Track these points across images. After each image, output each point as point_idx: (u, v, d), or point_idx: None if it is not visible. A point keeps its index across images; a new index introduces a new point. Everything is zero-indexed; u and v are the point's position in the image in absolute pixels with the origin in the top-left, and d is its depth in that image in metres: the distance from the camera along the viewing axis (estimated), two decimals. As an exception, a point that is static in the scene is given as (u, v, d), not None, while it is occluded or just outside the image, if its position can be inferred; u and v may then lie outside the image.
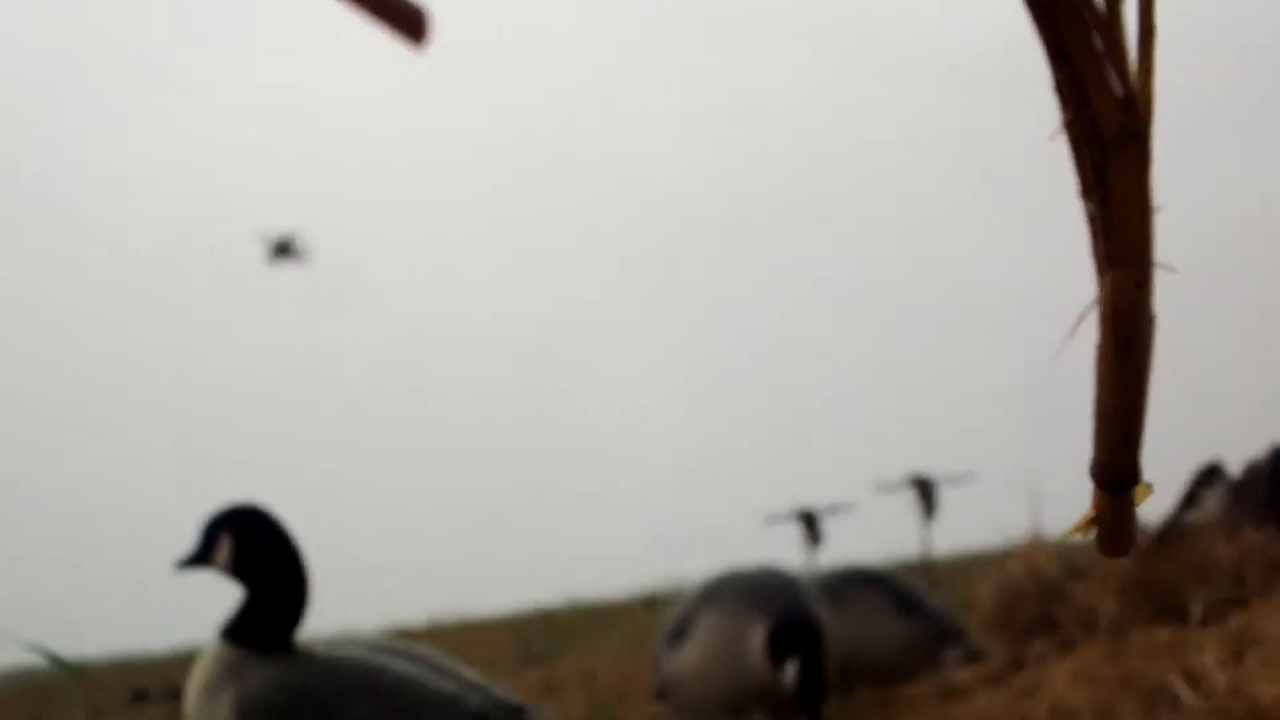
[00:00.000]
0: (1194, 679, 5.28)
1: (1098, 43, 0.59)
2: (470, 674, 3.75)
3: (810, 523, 10.48)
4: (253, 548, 3.78)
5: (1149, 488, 0.64)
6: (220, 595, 3.83)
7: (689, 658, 5.49)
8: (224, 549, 3.82)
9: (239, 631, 3.73)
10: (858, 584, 6.38)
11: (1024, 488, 7.60)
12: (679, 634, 5.58)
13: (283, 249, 12.19)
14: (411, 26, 0.63)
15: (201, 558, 3.82)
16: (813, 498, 10.58)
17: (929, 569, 13.06)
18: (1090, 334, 0.68)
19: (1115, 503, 0.65)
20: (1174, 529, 6.51)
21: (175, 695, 4.94)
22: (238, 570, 3.71)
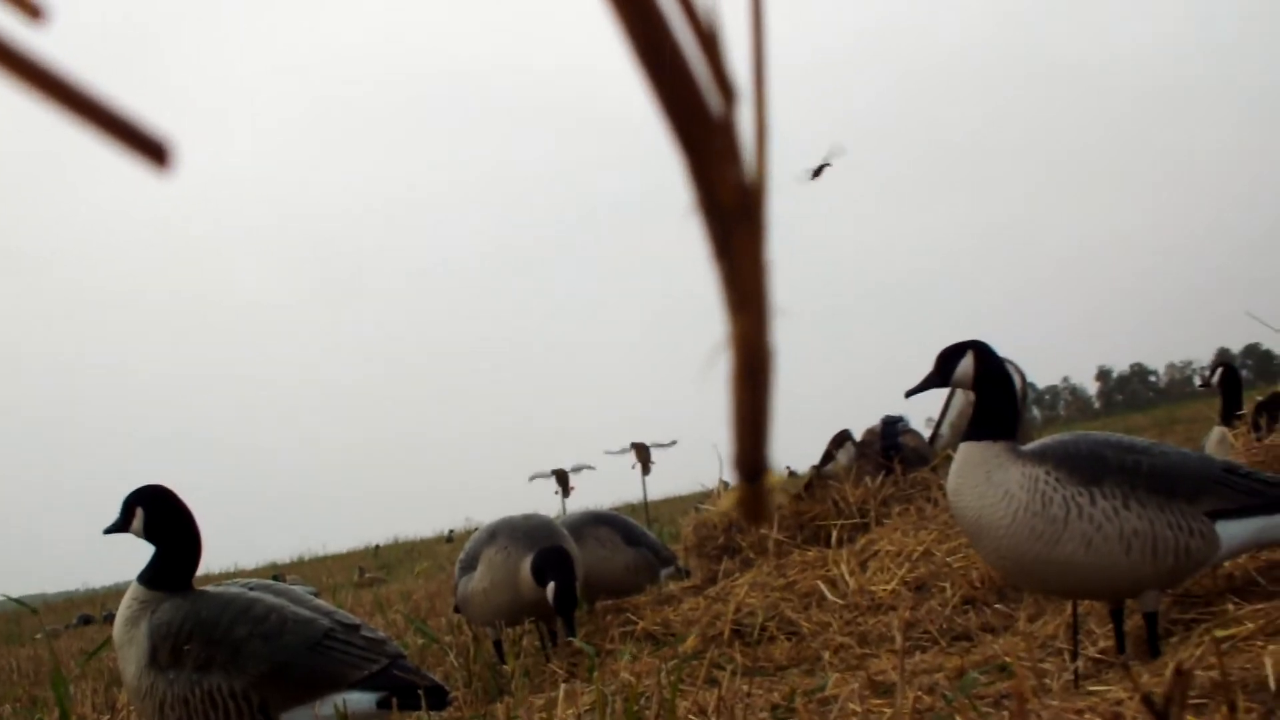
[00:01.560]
0: (833, 584, 5.38)
1: (716, 142, 0.55)
2: (322, 602, 3.76)
3: (562, 479, 10.55)
4: (158, 517, 3.96)
5: (777, 473, 0.60)
6: (138, 548, 3.91)
7: (478, 582, 5.52)
8: (138, 518, 3.98)
9: (151, 577, 3.93)
10: (596, 523, 6.43)
11: (713, 450, 7.81)
12: (470, 564, 5.67)
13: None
14: (156, 154, 0.56)
15: (122, 525, 4.07)
16: (563, 461, 10.66)
17: (647, 511, 13.09)
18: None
19: (751, 486, 0.61)
20: (817, 479, 6.62)
21: (111, 619, 4.79)
22: (148, 534, 3.89)
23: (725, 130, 0.55)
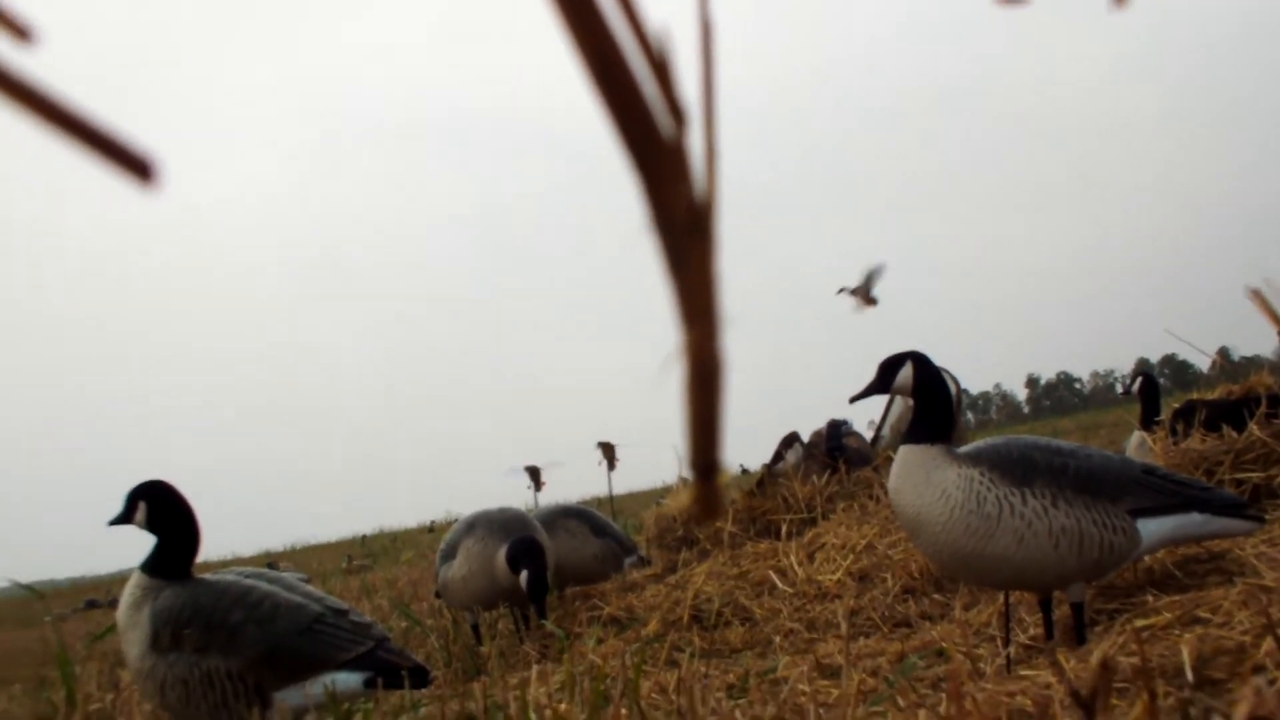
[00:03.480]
0: (783, 573, 5.36)
1: (668, 164, 0.54)
2: (312, 589, 3.72)
3: (535, 474, 10.54)
4: (159, 510, 3.89)
5: (729, 472, 0.59)
6: (142, 539, 3.89)
7: (457, 570, 5.49)
8: (140, 511, 3.91)
9: (153, 566, 3.88)
10: (566, 516, 6.41)
11: (672, 448, 7.82)
12: (449, 554, 5.64)
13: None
14: (140, 170, 0.54)
15: (125, 518, 3.98)
16: (535, 458, 10.64)
17: (612, 504, 13.05)
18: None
19: (705, 484, 0.60)
20: (768, 476, 6.60)
21: (115, 604, 4.77)
22: (150, 525, 3.84)
23: (677, 152, 0.54)
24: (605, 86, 0.51)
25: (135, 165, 0.55)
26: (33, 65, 0.55)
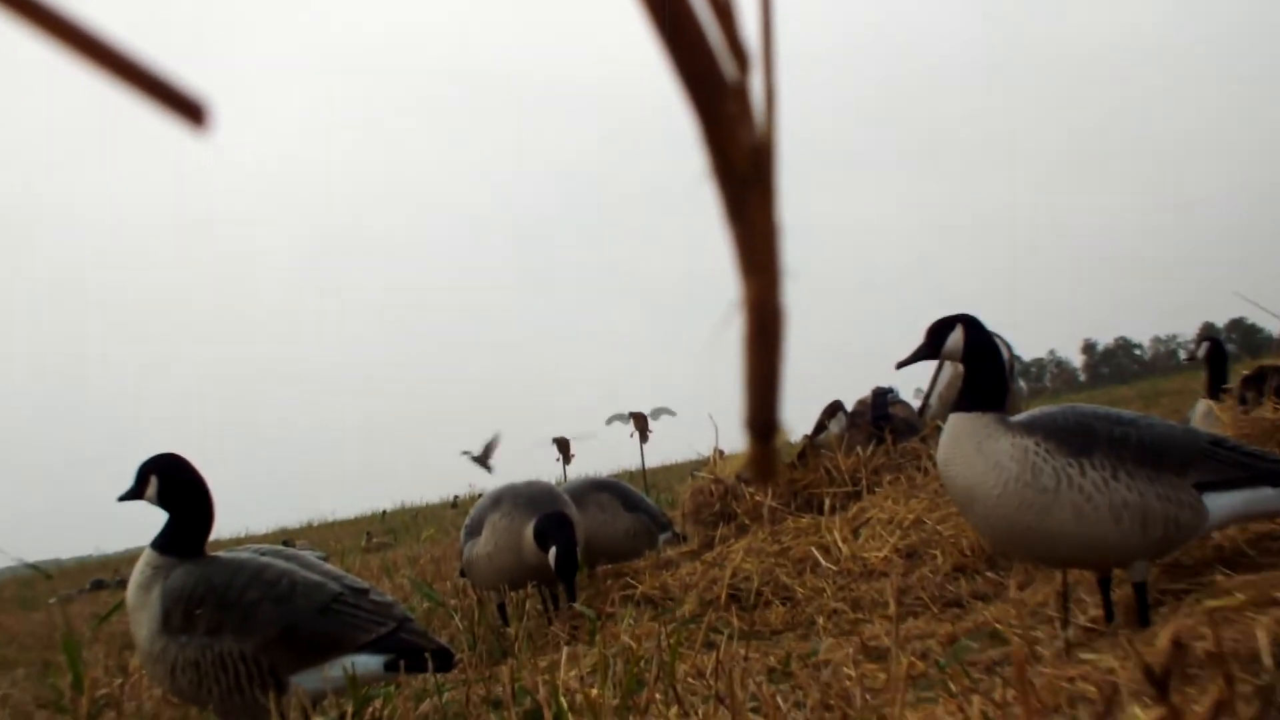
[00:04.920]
0: (827, 550, 5.36)
1: (730, 107, 0.53)
2: (331, 567, 3.77)
3: (563, 447, 10.59)
4: (172, 484, 3.93)
5: (785, 431, 0.59)
6: (152, 515, 4.04)
7: (482, 547, 5.53)
8: (151, 486, 3.95)
9: (165, 543, 3.91)
10: (597, 490, 6.41)
11: (708, 420, 7.84)
12: (474, 530, 5.67)
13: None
14: (193, 114, 0.54)
15: (136, 493, 4.03)
16: (563, 430, 10.70)
17: (645, 478, 13.10)
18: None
19: (761, 445, 0.60)
20: (810, 448, 6.60)
21: (123, 584, 4.79)
22: (162, 501, 3.91)
23: (739, 95, 0.53)
24: (666, 28, 0.51)
25: (188, 109, 0.55)
26: (81, 8, 0.55)
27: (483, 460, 11.24)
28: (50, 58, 0.54)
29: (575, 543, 5.53)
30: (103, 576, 18.61)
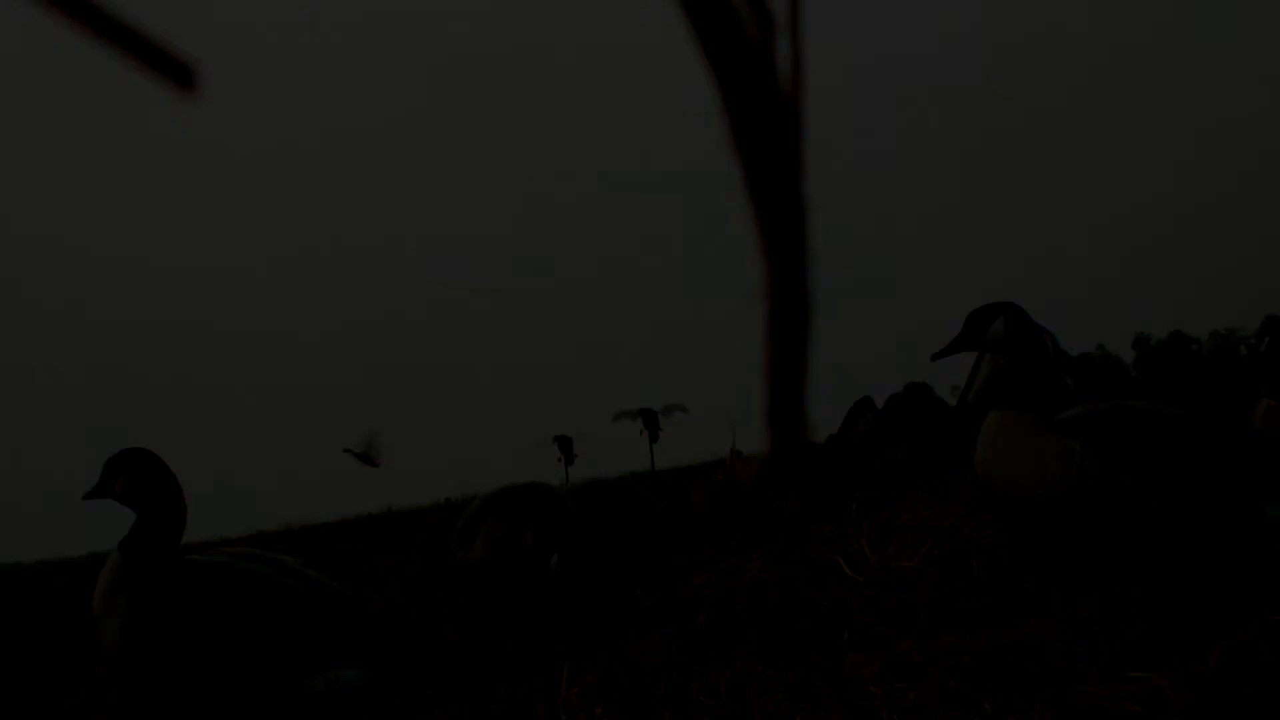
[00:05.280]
0: (852, 558, 5.35)
1: (757, 72, 0.55)
2: (310, 572, 3.74)
3: (565, 446, 10.61)
4: (141, 482, 3.91)
5: (809, 429, 0.60)
6: (120, 515, 4.03)
7: (478, 553, 5.50)
8: (120, 483, 3.91)
9: (133, 546, 3.89)
10: (602, 492, 6.38)
11: (725, 418, 7.85)
12: (469, 535, 5.64)
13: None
14: (181, 77, 0.55)
15: (103, 490, 3.98)
16: (565, 429, 10.72)
17: (656, 479, 13.14)
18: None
19: (784, 440, 0.61)
20: (836, 447, 6.59)
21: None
22: (131, 500, 3.80)
23: (764, 60, 0.54)
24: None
25: (175, 72, 0.56)
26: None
27: (366, 456, 11.15)
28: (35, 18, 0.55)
29: (578, 548, 5.54)
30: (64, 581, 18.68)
